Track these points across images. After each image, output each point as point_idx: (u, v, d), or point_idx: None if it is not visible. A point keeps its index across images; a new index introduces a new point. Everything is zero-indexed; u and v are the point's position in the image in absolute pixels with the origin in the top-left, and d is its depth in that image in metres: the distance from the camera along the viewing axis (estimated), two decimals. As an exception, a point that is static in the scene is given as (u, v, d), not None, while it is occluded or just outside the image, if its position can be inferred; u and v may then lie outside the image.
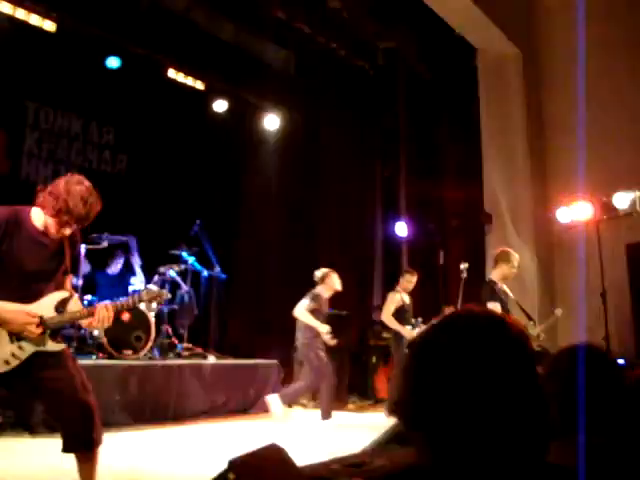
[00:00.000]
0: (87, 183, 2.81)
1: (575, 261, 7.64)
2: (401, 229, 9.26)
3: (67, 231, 2.79)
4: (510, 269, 5.52)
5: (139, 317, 6.23)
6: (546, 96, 8.48)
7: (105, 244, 6.57)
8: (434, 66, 8.59)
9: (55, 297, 2.82)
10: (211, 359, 6.61)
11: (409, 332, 6.30)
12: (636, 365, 5.77)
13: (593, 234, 6.95)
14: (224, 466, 1.29)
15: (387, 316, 6.53)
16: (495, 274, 5.57)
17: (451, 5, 7.38)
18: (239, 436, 5.17)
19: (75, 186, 2.74)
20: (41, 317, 2.72)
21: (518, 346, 0.96)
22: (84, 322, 2.94)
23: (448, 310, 5.11)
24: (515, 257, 5.59)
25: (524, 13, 8.66)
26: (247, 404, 6.39)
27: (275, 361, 6.99)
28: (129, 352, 6.04)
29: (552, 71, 8.43)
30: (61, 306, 2.85)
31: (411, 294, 6.83)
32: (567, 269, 7.83)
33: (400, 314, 6.53)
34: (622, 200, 6.65)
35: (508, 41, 8.14)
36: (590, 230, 7.03)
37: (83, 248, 6.37)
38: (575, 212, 7.13)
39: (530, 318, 5.73)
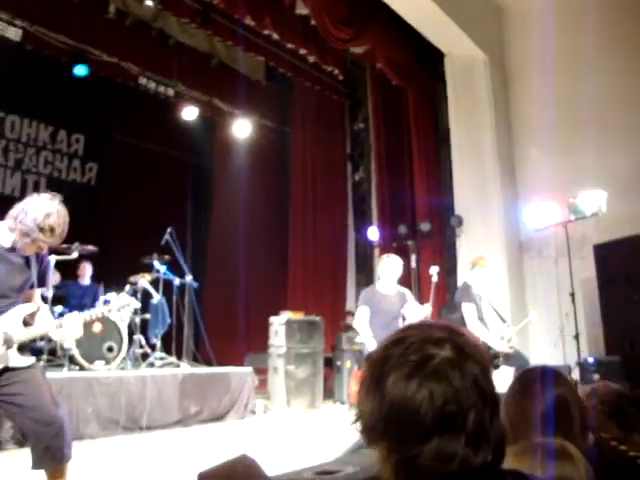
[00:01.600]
0: (52, 205, 2.70)
1: (544, 262, 7.77)
2: (372, 233, 9.31)
3: (33, 249, 2.75)
4: (486, 274, 5.61)
5: (111, 328, 6.18)
6: (513, 100, 8.61)
7: (75, 254, 6.50)
8: (403, 71, 8.66)
9: (22, 311, 2.78)
10: (184, 368, 6.57)
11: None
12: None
13: (562, 235, 7.07)
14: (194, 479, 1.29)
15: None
16: (471, 277, 5.63)
17: (418, 10, 7.46)
18: (212, 445, 5.14)
19: (37, 210, 2.65)
20: (5, 332, 2.68)
21: (472, 360, 0.96)
22: (54, 335, 2.91)
23: (426, 308, 5.21)
24: (491, 263, 5.70)
25: (491, 18, 8.80)
26: (221, 412, 6.36)
27: (249, 369, 6.97)
28: (101, 363, 5.98)
29: (519, 75, 8.57)
30: (29, 320, 2.82)
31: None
32: (537, 270, 7.95)
33: None
34: (588, 201, 6.78)
35: (475, 46, 8.26)
36: (559, 231, 7.15)
37: (53, 259, 6.29)
38: (544, 214, 7.24)
39: (503, 320, 5.80)
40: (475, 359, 0.97)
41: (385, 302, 5.27)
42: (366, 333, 5.07)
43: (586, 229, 7.10)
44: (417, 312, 5.25)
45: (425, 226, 8.52)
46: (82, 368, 5.85)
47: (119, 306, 3.11)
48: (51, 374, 5.39)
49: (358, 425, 1.00)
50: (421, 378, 0.93)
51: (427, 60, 8.84)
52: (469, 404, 0.92)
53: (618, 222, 6.54)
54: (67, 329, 2.82)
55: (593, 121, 7.32)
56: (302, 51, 8.74)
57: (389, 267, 5.42)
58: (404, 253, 7.68)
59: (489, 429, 0.94)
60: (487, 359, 1.01)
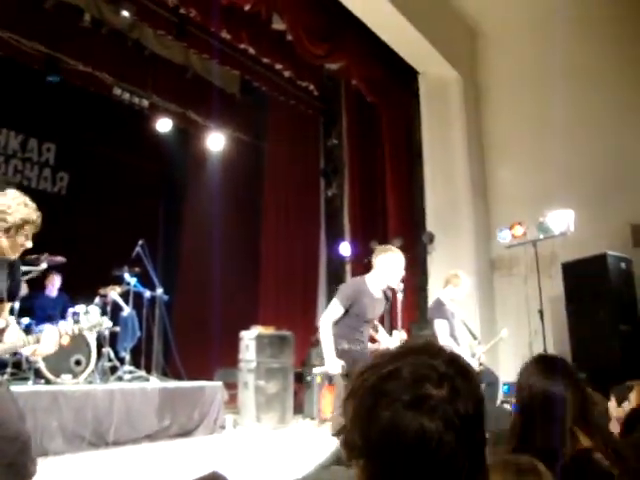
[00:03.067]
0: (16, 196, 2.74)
1: (514, 279, 7.88)
2: (344, 249, 9.33)
3: (28, 243, 2.73)
4: (459, 292, 5.64)
5: (79, 341, 6.06)
6: (485, 118, 8.75)
7: (44, 265, 6.39)
8: (378, 88, 8.75)
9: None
10: (154, 382, 6.49)
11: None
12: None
13: (531, 253, 7.19)
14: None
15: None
16: (444, 294, 5.67)
17: (393, 28, 7.56)
18: (181, 461, 5.08)
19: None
20: None
21: (467, 399, 0.96)
22: (27, 350, 2.84)
23: (399, 334, 5.09)
24: (466, 281, 5.71)
25: (464, 37, 8.96)
26: (190, 427, 6.28)
27: (219, 383, 6.91)
28: (68, 377, 5.87)
29: (491, 94, 8.73)
30: (-2, 336, 2.76)
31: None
32: (507, 287, 8.06)
33: None
34: (556, 220, 6.91)
35: (448, 65, 8.39)
36: (528, 249, 7.27)
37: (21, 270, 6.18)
38: (514, 232, 7.36)
39: (475, 337, 5.86)
40: (471, 400, 0.96)
41: (372, 307, 4.42)
42: (330, 349, 4.21)
43: (555, 247, 7.22)
44: (391, 340, 4.75)
45: (397, 242, 8.56)
46: (48, 382, 5.73)
47: (90, 325, 3.06)
48: (15, 388, 5.28)
49: (341, 439, 0.99)
50: (415, 414, 0.92)
51: (402, 77, 8.94)
52: (460, 449, 0.92)
53: (586, 241, 6.67)
54: (45, 344, 2.77)
55: (562, 141, 7.48)
56: (278, 66, 8.79)
57: (397, 264, 4.45)
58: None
59: (477, 475, 0.95)
60: (482, 399, 1.00)
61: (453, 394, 0.94)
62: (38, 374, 5.75)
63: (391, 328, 7.34)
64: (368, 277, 4.49)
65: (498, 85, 8.58)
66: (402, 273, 4.46)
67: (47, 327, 2.86)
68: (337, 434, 1.00)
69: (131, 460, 5.04)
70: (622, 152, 6.97)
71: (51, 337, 2.77)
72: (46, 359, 5.72)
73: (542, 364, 1.94)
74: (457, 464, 0.91)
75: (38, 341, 2.76)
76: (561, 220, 6.88)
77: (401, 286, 4.54)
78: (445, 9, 8.51)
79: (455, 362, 0.99)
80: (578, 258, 6.62)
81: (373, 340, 4.80)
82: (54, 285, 7.05)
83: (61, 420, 5.15)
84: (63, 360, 5.89)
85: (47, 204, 8.47)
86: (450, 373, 0.96)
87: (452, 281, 5.65)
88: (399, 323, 5.25)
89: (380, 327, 4.85)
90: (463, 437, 0.92)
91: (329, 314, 4.35)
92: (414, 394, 0.93)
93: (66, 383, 5.79)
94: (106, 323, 3.13)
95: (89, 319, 3.05)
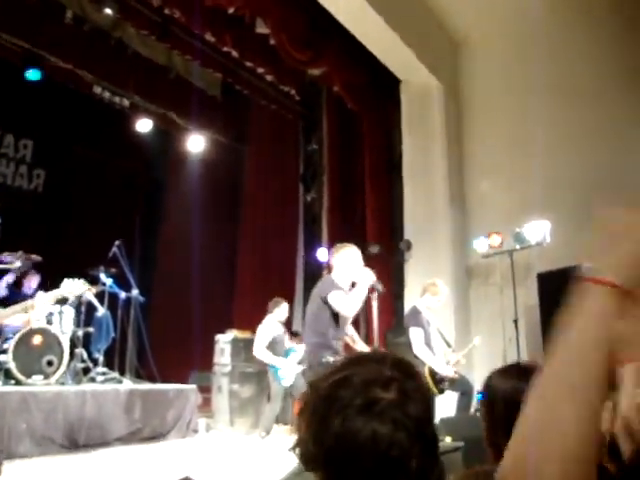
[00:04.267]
0: None
1: (490, 289, 7.95)
2: (322, 254, 9.34)
3: None
4: (436, 301, 5.66)
5: (51, 341, 5.98)
6: (466, 129, 8.84)
7: (18, 264, 6.31)
8: (359, 95, 8.79)
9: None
10: (127, 384, 6.43)
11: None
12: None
13: (507, 263, 7.26)
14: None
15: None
16: (420, 302, 5.69)
17: (376, 36, 7.61)
18: (154, 465, 5.03)
19: None
20: None
21: (416, 401, 0.98)
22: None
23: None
24: (443, 290, 5.73)
25: (448, 47, 9.04)
26: (164, 430, 6.23)
27: (193, 386, 6.87)
28: (39, 377, 5.77)
29: (472, 105, 8.81)
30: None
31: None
32: (482, 296, 8.13)
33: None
34: (533, 231, 6.99)
35: (430, 74, 8.45)
36: (504, 259, 7.34)
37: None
38: (490, 241, 7.43)
39: (449, 345, 5.89)
40: (419, 400, 0.98)
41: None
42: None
43: (531, 258, 7.30)
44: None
45: (374, 249, 8.59)
46: (18, 382, 5.62)
47: (23, 308, 3.06)
48: (-15, 387, 5.20)
49: (297, 451, 1.00)
50: (366, 418, 0.94)
51: (383, 85, 8.99)
52: (412, 449, 0.94)
53: (561, 252, 6.74)
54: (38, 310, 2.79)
55: (541, 152, 7.58)
56: (260, 70, 8.77)
57: (354, 257, 4.45)
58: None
59: (430, 475, 0.96)
60: (430, 398, 1.03)
61: (402, 396, 0.97)
62: (8, 374, 5.65)
63: (367, 335, 7.37)
64: (334, 276, 4.41)
65: (480, 96, 8.67)
66: (362, 267, 4.35)
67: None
68: (293, 448, 1.01)
69: (102, 464, 4.98)
70: (600, 165, 7.08)
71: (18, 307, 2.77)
72: (17, 359, 5.64)
73: (515, 370, 1.95)
74: (410, 464, 0.93)
75: (33, 307, 2.77)
76: (537, 231, 6.97)
77: (379, 289, 4.47)
78: (429, 19, 8.58)
79: (401, 365, 1.03)
80: (553, 269, 6.70)
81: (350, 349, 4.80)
82: (32, 284, 6.92)
83: (30, 422, 5.07)
84: (34, 360, 5.79)
85: (23, 201, 8.38)
86: (397, 376, 0.99)
87: (430, 289, 5.67)
88: (375, 330, 5.22)
89: (357, 337, 4.85)
90: (414, 437, 0.94)
91: (345, 302, 4.19)
92: (364, 399, 0.95)
93: (37, 384, 5.69)
94: (88, 293, 3.12)
95: (71, 288, 3.03)
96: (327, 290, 4.28)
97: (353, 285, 4.42)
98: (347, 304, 4.21)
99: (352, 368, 1.01)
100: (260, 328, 6.60)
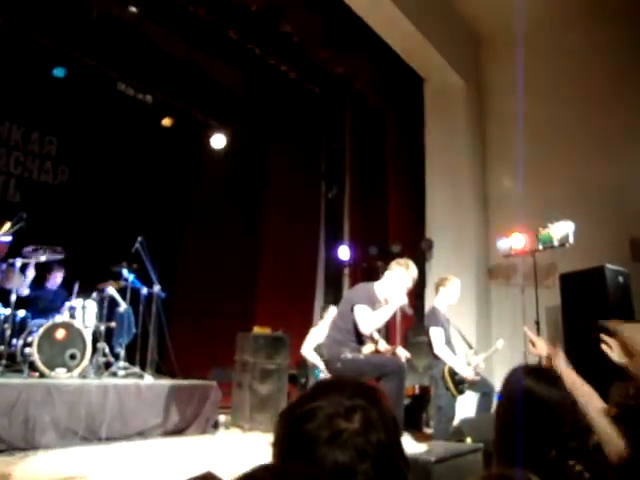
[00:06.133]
0: None
1: (512, 289, 7.87)
2: (343, 252, 9.32)
3: None
4: (451, 293, 5.61)
5: (75, 335, 6.05)
6: (489, 127, 8.76)
7: (42, 258, 6.39)
8: (382, 93, 8.75)
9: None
10: (148, 379, 6.48)
11: None
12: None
13: (529, 264, 7.19)
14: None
15: None
16: (438, 301, 5.65)
17: (399, 34, 7.57)
18: (173, 459, 5.07)
19: None
20: None
21: (379, 429, 1.00)
22: None
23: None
24: (455, 281, 5.68)
25: (470, 45, 8.96)
26: (183, 426, 6.27)
27: (213, 383, 6.89)
28: (62, 371, 5.85)
29: (495, 102, 8.73)
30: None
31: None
32: (504, 296, 8.05)
33: None
34: (556, 231, 6.90)
35: (453, 72, 8.39)
36: (527, 260, 7.27)
37: (19, 262, 6.18)
38: (513, 242, 7.35)
39: (470, 346, 5.84)
40: (382, 428, 1.00)
41: None
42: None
43: (554, 258, 7.22)
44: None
45: (396, 248, 8.55)
46: (42, 375, 5.71)
47: None
48: (9, 380, 5.28)
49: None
50: (329, 449, 0.96)
51: (406, 83, 8.94)
52: (378, 475, 0.96)
53: (584, 253, 6.66)
54: None
55: (564, 152, 7.50)
56: (283, 67, 8.78)
57: (406, 282, 4.69)
58: (374, 273, 7.70)
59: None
60: (394, 424, 1.04)
61: (365, 425, 0.99)
62: (32, 367, 5.73)
63: (388, 334, 7.36)
64: (377, 285, 4.67)
65: (503, 94, 8.58)
66: (406, 291, 4.58)
67: None
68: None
69: (123, 457, 5.03)
70: (626, 167, 6.98)
71: None
72: (41, 352, 5.73)
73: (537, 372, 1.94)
74: None
75: None
76: (561, 231, 6.87)
77: (407, 312, 4.64)
78: (451, 15, 8.51)
79: (365, 393, 1.04)
80: (577, 270, 6.61)
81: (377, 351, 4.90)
82: (57, 279, 7.01)
83: (54, 414, 5.14)
84: (58, 354, 5.88)
85: (48, 197, 8.47)
86: (360, 404, 1.01)
87: (442, 284, 5.64)
88: (397, 328, 5.25)
89: (377, 335, 4.90)
90: (380, 465, 0.96)
91: (366, 319, 4.34)
92: (329, 431, 0.98)
93: (60, 377, 5.77)
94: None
95: None
96: (357, 300, 4.48)
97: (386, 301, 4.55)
98: (367, 321, 4.41)
99: (316, 400, 1.03)
100: (312, 330, 7.15)
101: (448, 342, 5.46)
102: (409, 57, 8.23)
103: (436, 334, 5.38)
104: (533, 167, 7.79)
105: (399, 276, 4.65)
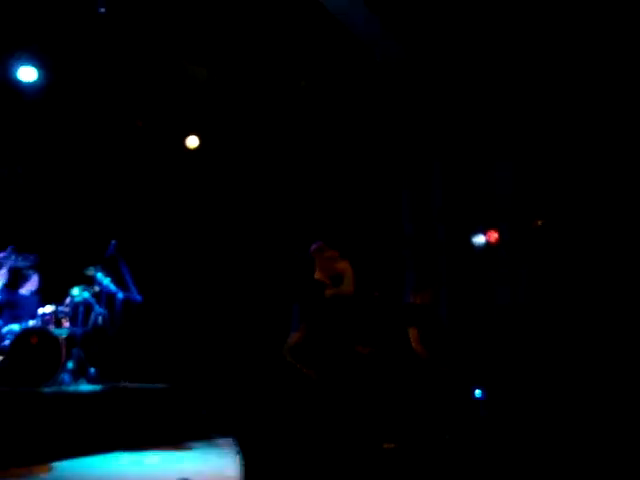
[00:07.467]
0: None
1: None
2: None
3: None
4: None
5: (48, 340, 5.93)
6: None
7: (11, 262, 6.25)
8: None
9: None
10: (124, 384, 6.38)
11: None
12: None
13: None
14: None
15: None
16: None
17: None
18: (151, 468, 4.98)
19: None
20: None
21: None
22: None
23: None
24: None
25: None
26: (161, 432, 6.16)
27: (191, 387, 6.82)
28: (37, 377, 5.72)
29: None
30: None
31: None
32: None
33: None
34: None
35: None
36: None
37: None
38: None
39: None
40: None
41: None
42: None
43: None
44: None
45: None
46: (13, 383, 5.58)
47: None
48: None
49: None
50: None
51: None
52: None
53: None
54: None
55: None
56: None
57: None
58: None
59: None
60: None
61: None
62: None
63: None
64: None
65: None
66: None
67: None
68: None
69: (98, 465, 4.93)
70: None
71: None
72: (13, 359, 5.60)
73: None
74: None
75: None
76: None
77: None
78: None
79: None
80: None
81: None
82: (31, 285, 6.78)
83: (27, 423, 5.01)
84: (31, 360, 5.75)
85: (19, 200, 8.17)
86: None
87: None
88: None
89: None
90: None
91: None
92: None
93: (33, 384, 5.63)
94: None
95: None
96: None
97: None
98: None
99: None
100: None
101: None
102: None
103: None
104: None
105: None
